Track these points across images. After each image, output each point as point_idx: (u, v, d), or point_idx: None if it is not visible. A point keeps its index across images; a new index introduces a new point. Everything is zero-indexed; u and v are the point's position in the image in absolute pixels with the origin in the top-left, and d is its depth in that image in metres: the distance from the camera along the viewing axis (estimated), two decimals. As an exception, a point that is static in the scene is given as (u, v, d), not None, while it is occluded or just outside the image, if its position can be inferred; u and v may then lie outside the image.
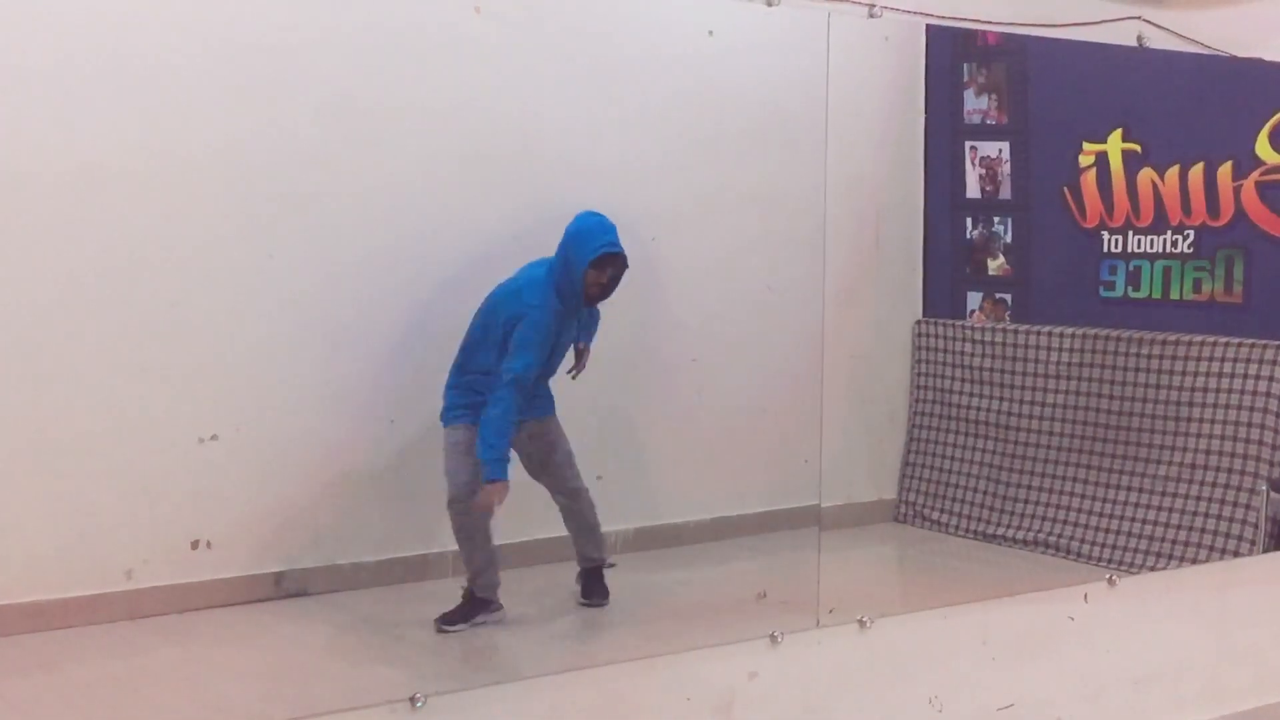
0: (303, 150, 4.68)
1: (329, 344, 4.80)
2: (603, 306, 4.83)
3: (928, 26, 5.18)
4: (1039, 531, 5.78)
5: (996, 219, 6.14)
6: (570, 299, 4.66)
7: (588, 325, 4.85)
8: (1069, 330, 5.82)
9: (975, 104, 6.12)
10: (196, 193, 4.51)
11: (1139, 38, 4.68)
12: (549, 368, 4.73)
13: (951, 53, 6.08)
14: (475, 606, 4.62)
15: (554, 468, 4.82)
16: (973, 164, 6.12)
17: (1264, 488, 5.20)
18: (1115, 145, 5.74)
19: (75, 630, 4.37)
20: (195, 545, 4.63)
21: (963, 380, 6.09)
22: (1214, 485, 5.36)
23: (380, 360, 4.88)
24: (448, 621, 4.58)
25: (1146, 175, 5.67)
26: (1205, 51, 4.80)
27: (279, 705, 4.00)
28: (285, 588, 4.75)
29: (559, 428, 4.82)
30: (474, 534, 4.63)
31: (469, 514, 4.60)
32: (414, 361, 4.90)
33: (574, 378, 4.82)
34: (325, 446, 4.83)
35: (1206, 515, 5.35)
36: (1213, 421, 5.38)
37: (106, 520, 4.48)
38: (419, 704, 3.36)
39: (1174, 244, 5.62)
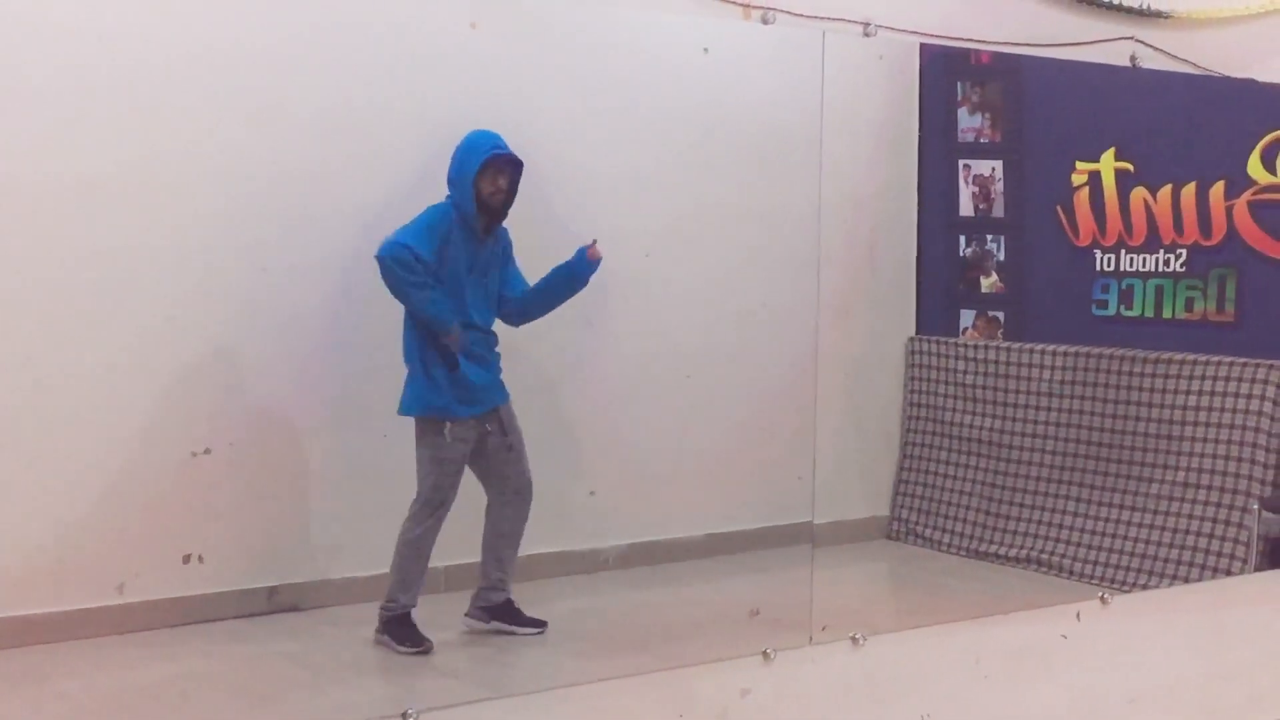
0: (299, 164, 4.68)
1: (323, 358, 4.80)
2: (596, 322, 4.83)
3: (922, 46, 5.20)
4: (1032, 549, 5.78)
5: (990, 237, 6.16)
6: (469, 217, 4.60)
7: (509, 274, 4.77)
8: (1061, 348, 5.83)
9: (969, 122, 6.14)
10: (191, 205, 4.52)
11: (1132, 58, 4.69)
12: (463, 300, 4.63)
13: (945, 72, 6.10)
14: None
15: (512, 466, 4.75)
16: (966, 182, 6.14)
17: (1256, 507, 5.21)
18: (1108, 164, 5.76)
19: (66, 644, 4.35)
20: (187, 559, 4.62)
21: (956, 397, 6.10)
22: (1206, 504, 5.36)
23: (375, 375, 4.87)
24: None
25: (1139, 194, 5.69)
26: (1198, 72, 4.81)
27: (271, 720, 4.01)
28: (278, 602, 4.74)
29: (513, 415, 4.77)
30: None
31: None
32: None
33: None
34: (318, 461, 4.83)
35: (1199, 534, 5.36)
36: (1205, 440, 5.39)
37: (98, 534, 4.47)
38: (411, 719, 3.36)
39: (1166, 263, 5.64)
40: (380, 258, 4.51)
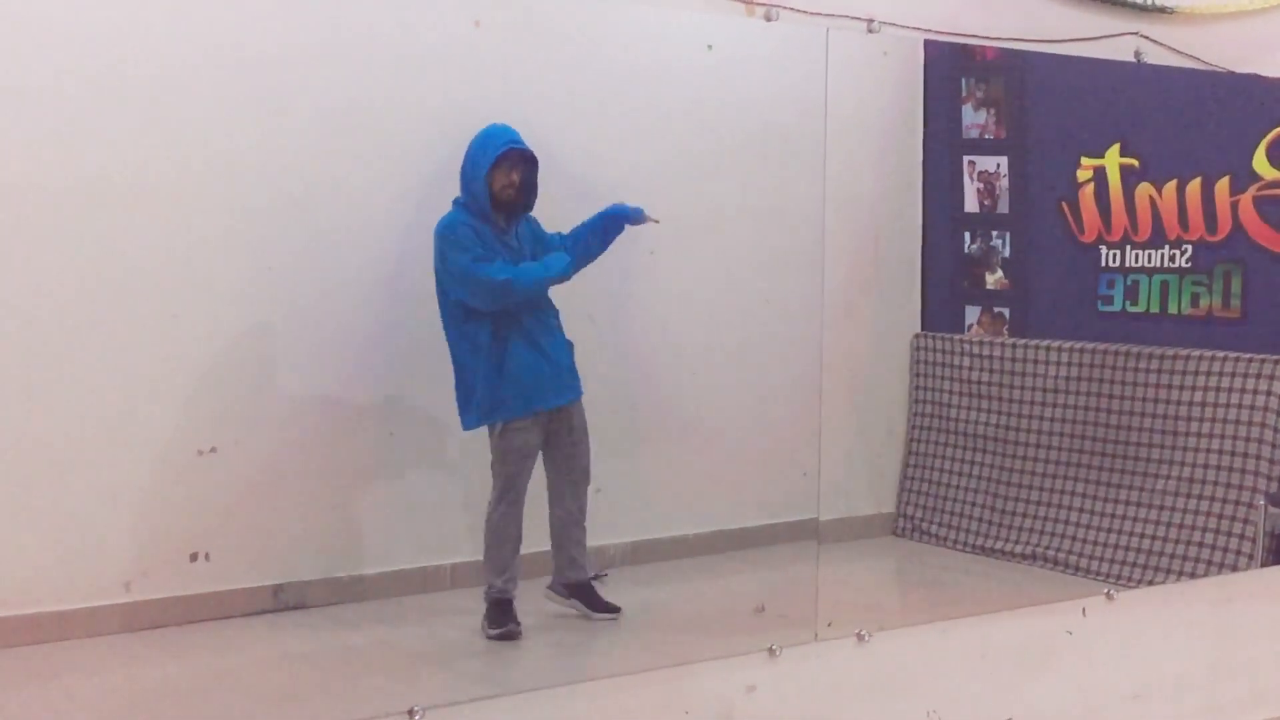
0: (303, 162, 4.69)
1: (328, 356, 4.81)
2: (601, 320, 4.84)
3: (926, 41, 5.19)
4: (1037, 545, 5.78)
5: (995, 233, 6.15)
6: (482, 212, 4.60)
7: (542, 242, 4.78)
8: (1067, 344, 5.83)
9: (974, 118, 6.13)
10: (196, 204, 4.53)
11: (1137, 53, 4.68)
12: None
13: (950, 67, 6.10)
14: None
15: (575, 456, 4.79)
16: (971, 178, 6.13)
17: (1262, 502, 5.20)
18: (1113, 160, 5.75)
19: (73, 642, 4.37)
20: (194, 558, 4.63)
21: (961, 394, 6.10)
22: (1212, 500, 5.36)
23: (380, 373, 4.88)
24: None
25: (1144, 190, 5.68)
26: (1203, 67, 4.81)
27: (277, 718, 4.01)
28: (284, 600, 4.75)
29: (581, 411, 4.82)
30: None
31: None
32: (413, 374, 4.91)
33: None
34: (324, 459, 4.84)
35: (1204, 530, 5.35)
36: (1210, 436, 5.38)
37: (105, 532, 4.48)
38: (417, 717, 3.36)
39: (1172, 259, 5.63)
40: (509, 288, 4.56)
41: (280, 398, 4.76)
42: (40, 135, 4.26)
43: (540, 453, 4.76)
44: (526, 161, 4.66)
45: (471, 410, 4.64)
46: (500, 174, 4.61)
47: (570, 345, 4.77)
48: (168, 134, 4.46)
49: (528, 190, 4.69)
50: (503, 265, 4.56)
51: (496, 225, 4.65)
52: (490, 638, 4.59)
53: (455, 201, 4.65)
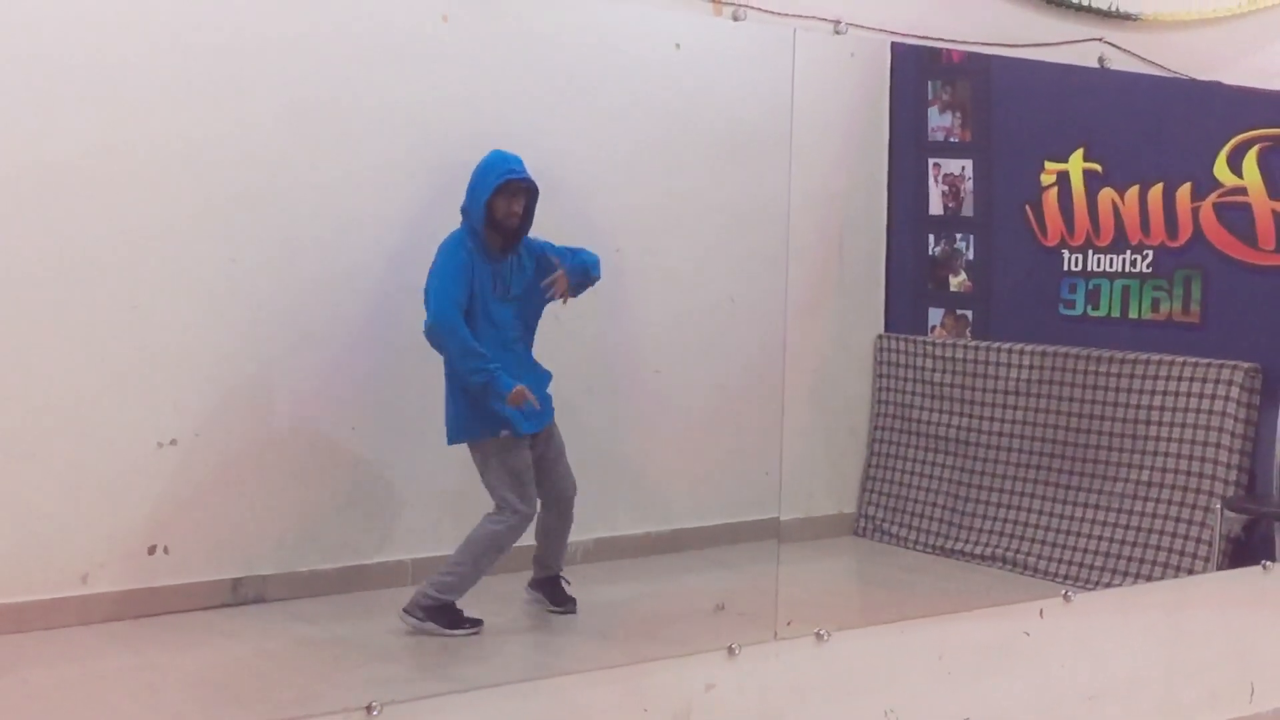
0: (268, 154, 4.67)
1: (290, 350, 4.79)
2: (565, 317, 4.84)
3: (893, 44, 5.21)
4: (997, 547, 5.81)
5: (959, 235, 6.18)
6: (480, 238, 4.62)
7: (540, 270, 4.78)
8: (1029, 347, 5.86)
9: (939, 121, 6.16)
10: (159, 194, 4.50)
11: (1101, 59, 4.71)
12: (493, 320, 4.66)
13: (916, 70, 6.12)
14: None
15: (558, 476, 4.85)
16: (936, 180, 6.16)
17: (1219, 506, 5.25)
18: (1076, 164, 5.79)
19: (29, 635, 4.33)
20: (152, 550, 4.60)
21: (923, 395, 6.13)
22: (1170, 503, 5.40)
23: (341, 367, 4.86)
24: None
25: (1107, 195, 5.71)
26: (1166, 74, 4.84)
27: (234, 712, 3.99)
28: (242, 594, 4.73)
29: (556, 430, 4.86)
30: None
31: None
32: (376, 369, 4.89)
33: (563, 303, 4.78)
34: (284, 453, 4.82)
35: (1162, 533, 5.39)
36: (1169, 440, 5.42)
37: (62, 524, 4.45)
38: (375, 712, 3.35)
39: (1133, 263, 5.67)
40: (433, 329, 4.55)
41: (241, 391, 4.73)
42: (3, 122, 4.21)
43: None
44: (528, 190, 4.68)
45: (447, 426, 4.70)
46: (501, 203, 4.64)
47: (548, 376, 4.82)
48: (132, 124, 4.43)
49: (525, 217, 4.72)
50: (454, 314, 4.56)
51: (490, 253, 4.67)
52: (460, 635, 4.59)
53: (462, 213, 4.69)
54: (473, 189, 4.65)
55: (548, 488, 4.83)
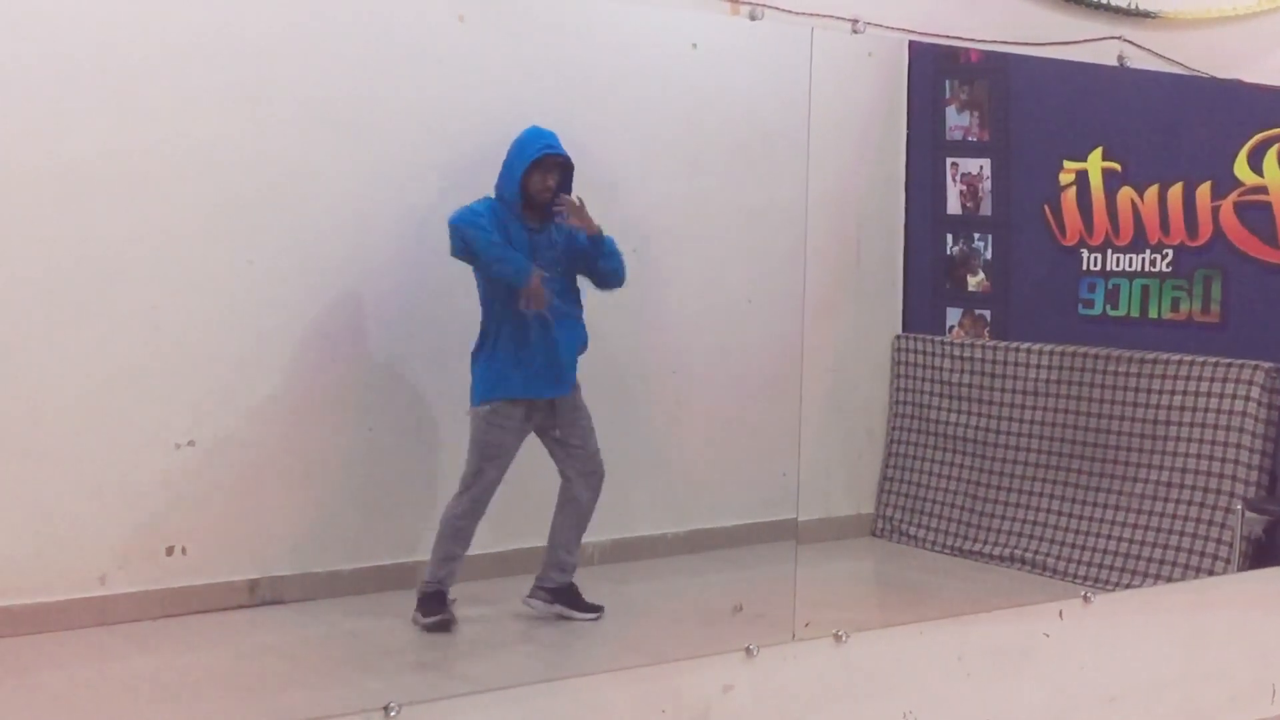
0: (285, 156, 4.67)
1: (307, 351, 4.79)
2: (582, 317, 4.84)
3: (910, 43, 5.20)
4: (1015, 548, 5.79)
5: (977, 235, 6.16)
6: (513, 203, 4.65)
7: (571, 246, 4.78)
8: (1047, 347, 5.84)
9: (957, 120, 6.14)
10: (177, 197, 4.50)
11: (1120, 57, 4.69)
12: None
13: (934, 69, 6.10)
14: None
15: (587, 455, 4.83)
16: (954, 180, 6.14)
17: (1239, 507, 5.22)
18: (1095, 164, 5.77)
19: (47, 635, 4.34)
20: (170, 551, 4.60)
21: (941, 396, 6.11)
22: (1190, 504, 5.38)
23: (359, 368, 4.87)
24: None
25: (1126, 194, 5.69)
26: (1186, 72, 4.82)
27: (252, 713, 3.99)
28: (260, 595, 4.73)
29: (576, 405, 4.84)
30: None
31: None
32: (393, 370, 4.90)
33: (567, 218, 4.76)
34: (302, 454, 4.82)
35: (1182, 534, 5.37)
36: (1189, 440, 5.40)
37: (81, 525, 4.46)
38: (393, 713, 3.34)
39: (1152, 263, 5.65)
40: (454, 223, 4.58)
41: (259, 392, 4.73)
42: (17, 126, 4.22)
43: (552, 451, 4.81)
44: (562, 166, 4.70)
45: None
46: (536, 177, 4.67)
47: (574, 344, 4.82)
48: (148, 125, 4.43)
49: (560, 193, 4.74)
50: (479, 219, 4.60)
51: (528, 225, 4.70)
52: (426, 628, 4.59)
53: (496, 190, 4.71)
54: (509, 164, 4.69)
55: (578, 464, 4.81)
